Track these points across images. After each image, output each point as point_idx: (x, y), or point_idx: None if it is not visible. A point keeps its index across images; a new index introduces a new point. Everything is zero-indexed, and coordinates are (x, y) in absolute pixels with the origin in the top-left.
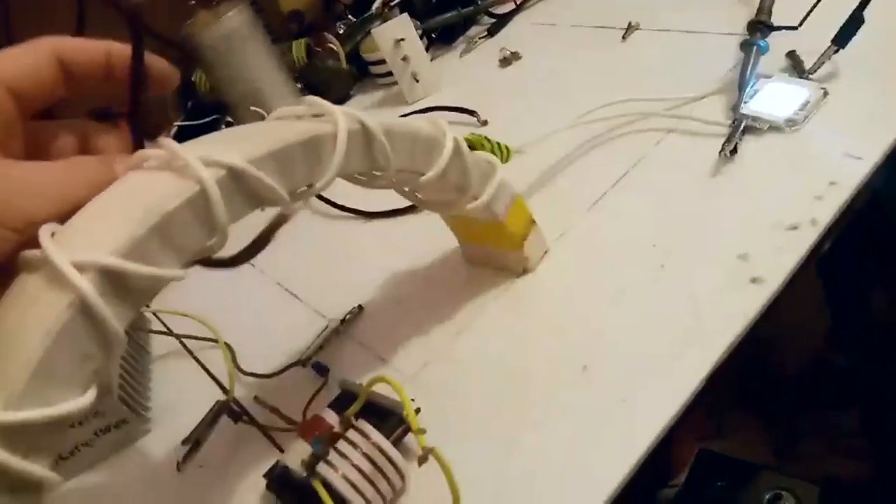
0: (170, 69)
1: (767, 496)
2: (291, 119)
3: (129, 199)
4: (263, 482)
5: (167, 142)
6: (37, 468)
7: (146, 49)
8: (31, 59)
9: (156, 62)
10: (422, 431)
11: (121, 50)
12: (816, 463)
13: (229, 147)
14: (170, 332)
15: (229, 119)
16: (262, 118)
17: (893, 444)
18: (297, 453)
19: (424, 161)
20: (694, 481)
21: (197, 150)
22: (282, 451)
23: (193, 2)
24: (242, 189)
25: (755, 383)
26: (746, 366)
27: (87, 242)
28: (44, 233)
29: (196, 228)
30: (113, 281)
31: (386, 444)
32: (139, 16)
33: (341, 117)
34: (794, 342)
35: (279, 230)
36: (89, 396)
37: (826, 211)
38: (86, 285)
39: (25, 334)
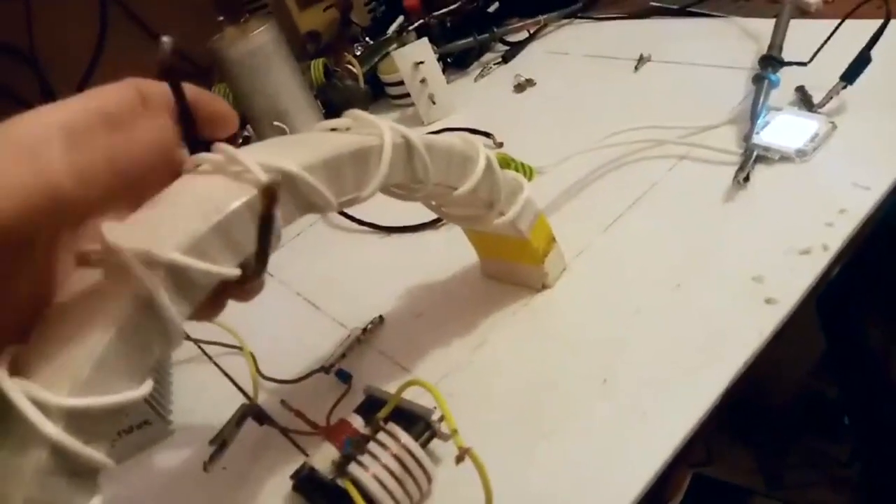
0: (229, 111)
1: None
2: (337, 131)
3: (191, 199)
4: (288, 484)
5: (225, 147)
6: (97, 453)
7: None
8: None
9: (214, 103)
10: (455, 432)
11: (148, 86)
12: (805, 491)
13: (284, 154)
14: (189, 338)
15: (247, 133)
16: (284, 133)
17: (883, 476)
18: (324, 455)
19: (458, 176)
20: None
21: (255, 156)
22: (305, 454)
23: (222, 18)
24: (296, 194)
25: (746, 411)
26: (737, 393)
27: (153, 238)
28: (106, 228)
29: (252, 230)
30: (176, 276)
31: (415, 446)
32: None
33: (387, 131)
34: (786, 371)
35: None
36: (146, 387)
37: (837, 237)
38: (153, 280)
39: (93, 325)
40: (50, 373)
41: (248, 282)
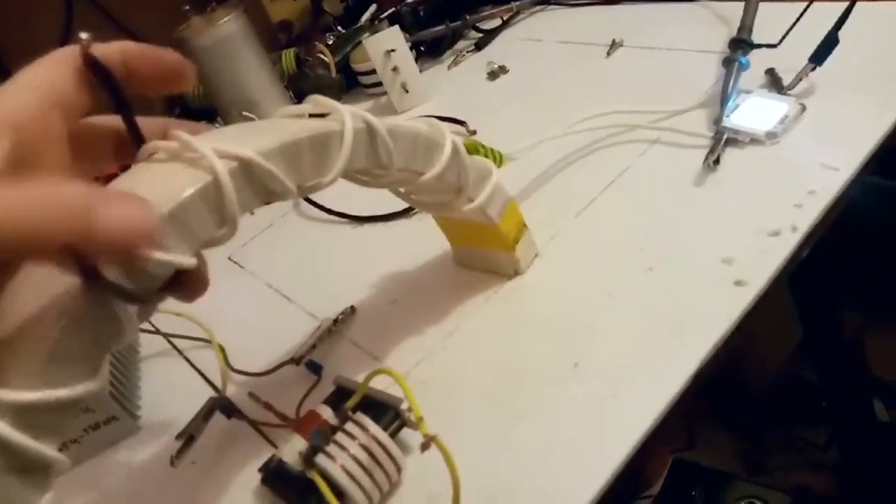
0: (181, 62)
1: None
2: (298, 117)
3: (144, 187)
4: (257, 477)
5: (180, 134)
6: (47, 449)
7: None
8: (62, 68)
9: (164, 57)
10: (421, 419)
11: (133, 48)
12: (785, 475)
13: (241, 140)
14: (158, 331)
15: (217, 124)
16: None
17: (860, 460)
18: (292, 447)
19: (424, 161)
20: (670, 489)
21: (209, 142)
22: (275, 446)
23: (187, 7)
24: (253, 181)
25: (726, 396)
26: (717, 379)
27: None
28: None
29: (207, 218)
30: (125, 269)
31: (383, 436)
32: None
33: (348, 115)
34: (765, 356)
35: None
36: (100, 381)
37: (806, 218)
38: (104, 270)
39: (41, 317)
40: None
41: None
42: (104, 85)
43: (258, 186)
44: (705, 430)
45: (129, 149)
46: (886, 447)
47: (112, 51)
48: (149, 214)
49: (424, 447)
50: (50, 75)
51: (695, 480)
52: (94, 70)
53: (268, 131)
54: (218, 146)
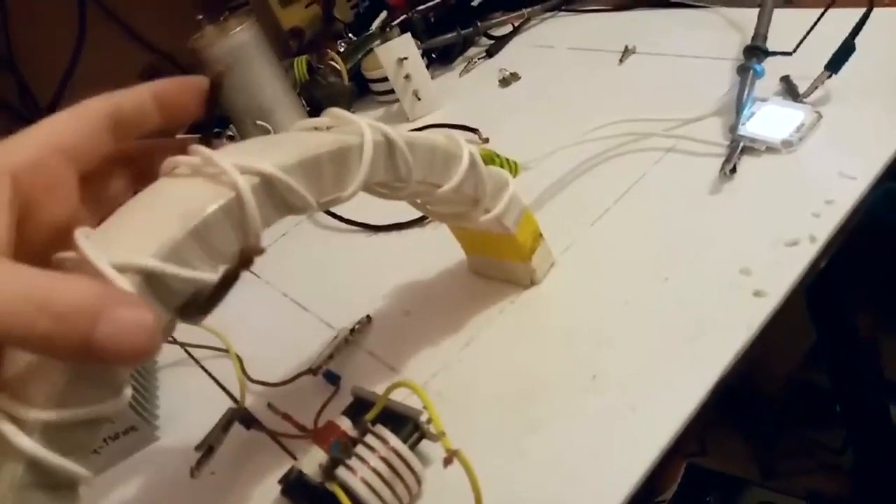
0: (195, 86)
1: None
2: (317, 130)
3: (167, 203)
4: (277, 488)
5: (200, 149)
6: (75, 466)
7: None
8: (82, 119)
9: (182, 90)
10: (443, 434)
11: (163, 86)
12: (798, 480)
13: (261, 155)
14: (175, 341)
15: (230, 133)
16: (267, 132)
17: (874, 463)
18: (312, 459)
19: (442, 173)
20: (684, 495)
21: (231, 158)
22: (294, 458)
23: (201, 16)
24: (274, 196)
25: (738, 401)
26: (730, 383)
27: (127, 244)
28: (79, 234)
29: (231, 234)
30: (151, 283)
31: (403, 449)
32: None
33: (367, 129)
34: (777, 360)
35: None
36: (124, 398)
37: (824, 228)
38: (127, 287)
39: None
40: (24, 385)
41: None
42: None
43: (279, 201)
44: (718, 435)
45: None
46: None
47: (141, 95)
48: (154, 334)
49: (447, 462)
50: (67, 128)
51: (709, 486)
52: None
53: (287, 145)
54: (239, 161)
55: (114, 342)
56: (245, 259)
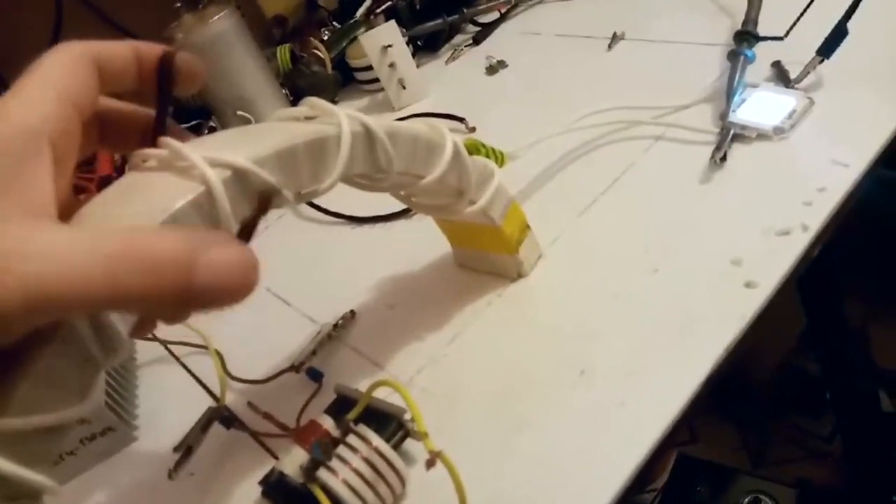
0: (199, 63)
1: (746, 499)
2: (294, 120)
3: (133, 198)
4: (258, 490)
5: (170, 141)
6: (37, 476)
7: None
8: (75, 64)
9: (185, 56)
10: (426, 435)
11: (148, 48)
12: (789, 468)
13: (234, 147)
14: (155, 338)
15: (212, 124)
16: (248, 122)
17: (865, 450)
18: (293, 459)
19: (425, 164)
20: (674, 485)
21: (201, 150)
22: (276, 457)
23: (179, 4)
24: (247, 190)
25: (728, 390)
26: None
27: None
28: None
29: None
30: None
31: (386, 449)
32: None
33: (345, 119)
34: (767, 348)
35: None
36: (89, 403)
37: (816, 216)
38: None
39: (26, 341)
40: None
41: None
42: (158, 86)
43: (253, 195)
44: (707, 423)
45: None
46: (891, 437)
47: (124, 49)
48: (252, 268)
49: (430, 464)
50: (66, 75)
51: (700, 475)
52: (160, 73)
53: (262, 137)
54: (210, 154)
55: (215, 285)
56: (263, 204)
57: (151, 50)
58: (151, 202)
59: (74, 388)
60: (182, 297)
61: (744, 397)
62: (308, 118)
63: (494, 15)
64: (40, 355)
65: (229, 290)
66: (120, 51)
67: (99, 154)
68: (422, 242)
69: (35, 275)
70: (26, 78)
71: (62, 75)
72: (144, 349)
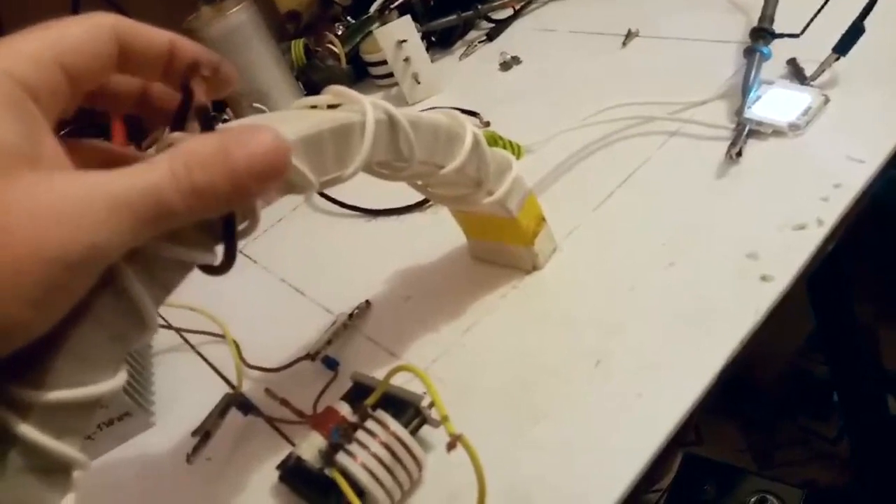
0: (231, 68)
1: (753, 499)
2: (315, 108)
3: None
4: (274, 475)
5: (196, 128)
6: (70, 449)
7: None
8: (90, 32)
9: (218, 60)
10: (446, 418)
11: (185, 44)
12: (795, 470)
13: None
14: (170, 326)
15: (227, 116)
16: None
17: (872, 453)
18: (311, 445)
19: (445, 154)
20: (681, 485)
21: None
22: (292, 444)
23: None
24: None
25: (736, 391)
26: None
27: None
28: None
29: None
30: (147, 262)
31: (404, 434)
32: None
33: (369, 106)
34: (775, 348)
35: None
36: (119, 378)
37: (832, 211)
38: (121, 265)
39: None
40: (18, 365)
41: (216, 273)
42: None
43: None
44: (714, 423)
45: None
46: None
47: (160, 40)
48: (282, 144)
49: (451, 447)
50: (78, 41)
51: (706, 476)
52: (183, 84)
53: (288, 122)
54: None
55: (253, 165)
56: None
57: (187, 49)
58: None
59: (106, 364)
60: (231, 187)
61: (750, 399)
62: (331, 106)
63: (508, 11)
64: (77, 330)
65: (268, 165)
66: (155, 39)
67: (113, 126)
68: (436, 235)
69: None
70: (39, 29)
71: (67, 35)
72: (160, 338)
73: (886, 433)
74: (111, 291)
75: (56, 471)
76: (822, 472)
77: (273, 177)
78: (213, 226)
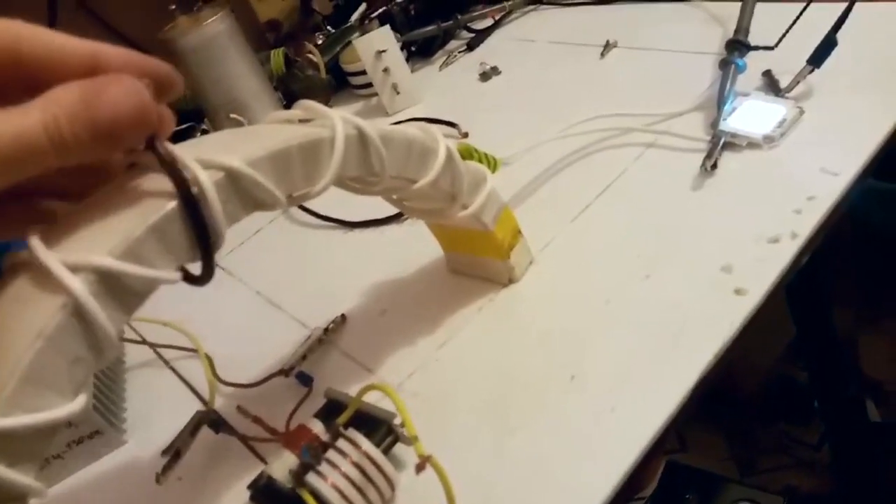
0: (175, 74)
1: None
2: (287, 123)
3: (125, 198)
4: (246, 494)
5: (164, 143)
6: (22, 477)
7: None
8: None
9: (161, 67)
10: (416, 439)
11: (110, 55)
12: (777, 476)
13: (227, 149)
14: (144, 341)
15: (205, 127)
16: (241, 125)
17: (852, 459)
18: (282, 463)
19: (418, 168)
20: (663, 493)
21: (194, 152)
22: (264, 462)
23: (174, 6)
24: (240, 191)
25: (717, 398)
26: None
27: (81, 243)
28: (32, 233)
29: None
30: (107, 283)
31: (376, 454)
32: None
33: (339, 122)
34: (755, 356)
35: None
36: (79, 402)
37: (806, 224)
38: (79, 287)
39: (15, 337)
40: None
41: (196, 283)
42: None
43: (245, 197)
44: (696, 431)
45: None
46: (878, 447)
47: (83, 51)
48: (142, 89)
49: (420, 468)
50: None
51: (689, 483)
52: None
53: (255, 139)
54: (202, 156)
55: (116, 117)
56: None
57: (113, 60)
58: (144, 202)
59: (64, 388)
60: (93, 133)
61: (732, 406)
62: (302, 121)
63: (488, 21)
64: (29, 352)
65: (131, 111)
66: (67, 50)
67: None
68: (413, 247)
69: None
70: None
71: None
72: (133, 353)
73: (866, 439)
74: (70, 312)
75: (10, 500)
76: (803, 478)
77: (136, 126)
78: (176, 246)
